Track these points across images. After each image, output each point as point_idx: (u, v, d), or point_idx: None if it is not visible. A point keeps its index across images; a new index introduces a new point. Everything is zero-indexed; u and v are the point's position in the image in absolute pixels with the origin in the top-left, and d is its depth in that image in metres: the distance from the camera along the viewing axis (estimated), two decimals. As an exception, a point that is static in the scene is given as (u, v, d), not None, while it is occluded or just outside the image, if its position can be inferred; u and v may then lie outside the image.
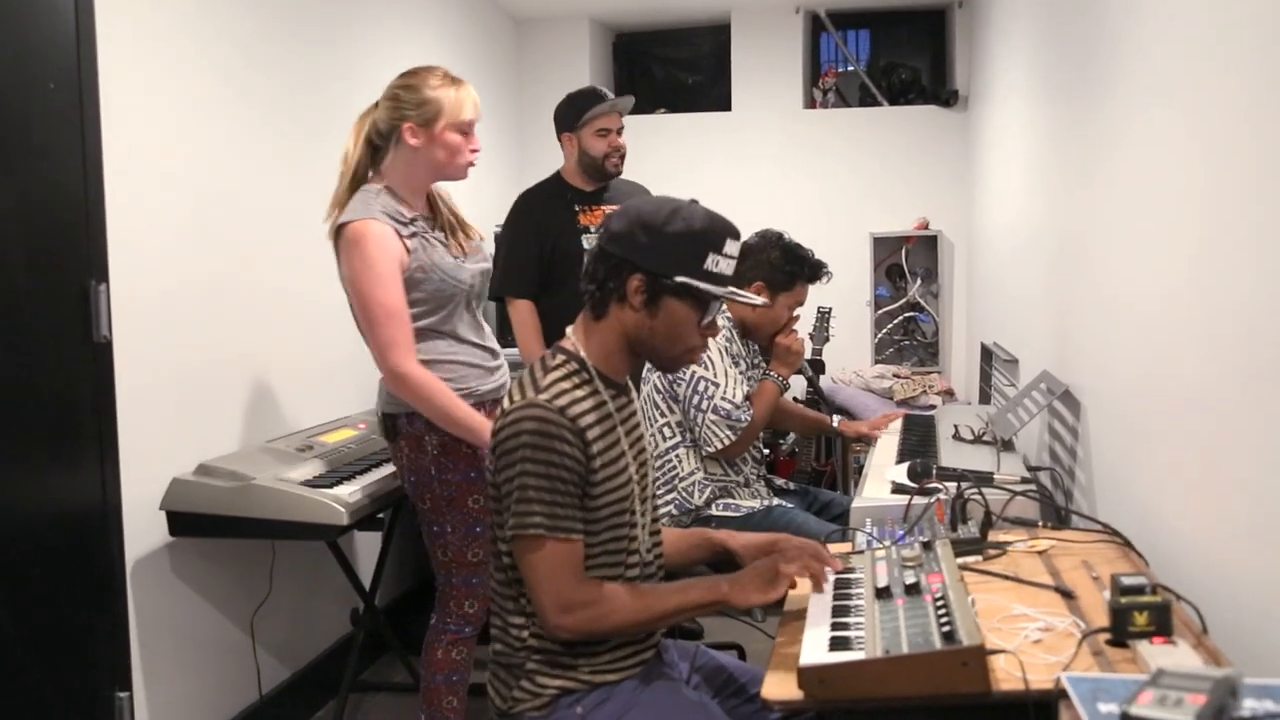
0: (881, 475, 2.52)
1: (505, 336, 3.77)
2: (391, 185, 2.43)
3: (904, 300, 5.33)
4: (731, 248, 1.73)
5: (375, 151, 2.46)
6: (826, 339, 3.99)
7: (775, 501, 2.92)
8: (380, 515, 2.73)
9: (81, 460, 2.34)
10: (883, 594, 1.61)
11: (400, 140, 2.41)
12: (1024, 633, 1.51)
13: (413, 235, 2.39)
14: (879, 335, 5.34)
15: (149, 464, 2.51)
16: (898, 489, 2.34)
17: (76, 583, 2.33)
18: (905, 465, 2.40)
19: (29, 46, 2.19)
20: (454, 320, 2.48)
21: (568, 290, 2.86)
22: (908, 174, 5.31)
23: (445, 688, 2.53)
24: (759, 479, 3.01)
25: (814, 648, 1.49)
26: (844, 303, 4.74)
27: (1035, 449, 3.17)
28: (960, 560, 1.80)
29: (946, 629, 1.41)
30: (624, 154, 3.50)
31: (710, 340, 2.79)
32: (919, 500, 2.13)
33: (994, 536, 1.97)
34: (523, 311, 3.43)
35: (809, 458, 4.12)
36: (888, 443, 3.00)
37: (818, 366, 4.03)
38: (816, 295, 3.09)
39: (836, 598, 1.67)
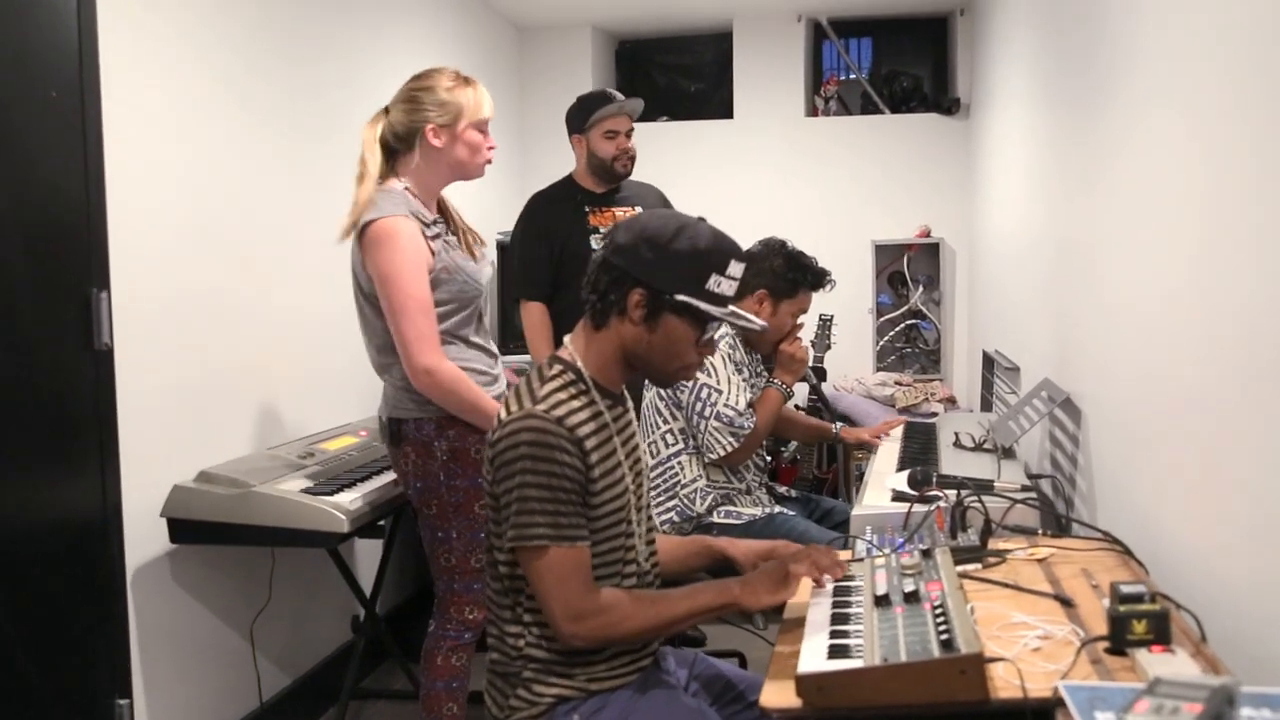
0: (882, 483, 2.52)
1: (510, 340, 3.79)
2: (411, 187, 2.44)
3: (906, 308, 5.33)
4: (735, 269, 1.73)
5: (389, 154, 2.47)
6: (828, 346, 3.99)
7: (777, 509, 2.92)
8: (381, 523, 2.73)
9: (82, 467, 2.34)
10: (882, 602, 1.61)
11: (422, 142, 2.43)
12: (1023, 641, 1.50)
13: (435, 236, 2.42)
14: (881, 343, 5.33)
15: (150, 471, 2.52)
16: (898, 497, 2.34)
17: (77, 589, 2.33)
18: (906, 473, 2.40)
19: (31, 54, 2.20)
20: (471, 323, 2.50)
21: (575, 292, 2.88)
22: (909, 182, 5.31)
23: (445, 694, 2.53)
24: (760, 486, 3.01)
25: (812, 656, 1.48)
26: (846, 310, 4.74)
27: (1036, 456, 3.16)
28: (960, 568, 1.79)
29: (945, 637, 1.41)
30: (633, 156, 3.52)
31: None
32: (919, 508, 2.12)
33: (994, 544, 1.97)
34: (534, 314, 3.45)
35: (811, 465, 4.12)
36: (889, 450, 3.00)
37: (820, 374, 4.02)
38: (818, 303, 3.09)
39: (835, 605, 1.67)
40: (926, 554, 1.78)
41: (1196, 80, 1.77)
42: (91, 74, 2.34)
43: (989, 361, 4.12)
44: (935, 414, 4.39)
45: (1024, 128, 3.62)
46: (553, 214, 3.49)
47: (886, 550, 1.90)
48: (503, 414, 1.71)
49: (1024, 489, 2.35)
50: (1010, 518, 2.11)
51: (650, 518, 1.90)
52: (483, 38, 4.96)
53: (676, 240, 1.69)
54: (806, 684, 1.40)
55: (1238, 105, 1.57)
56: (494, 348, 2.61)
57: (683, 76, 5.70)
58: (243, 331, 2.92)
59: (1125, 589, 1.44)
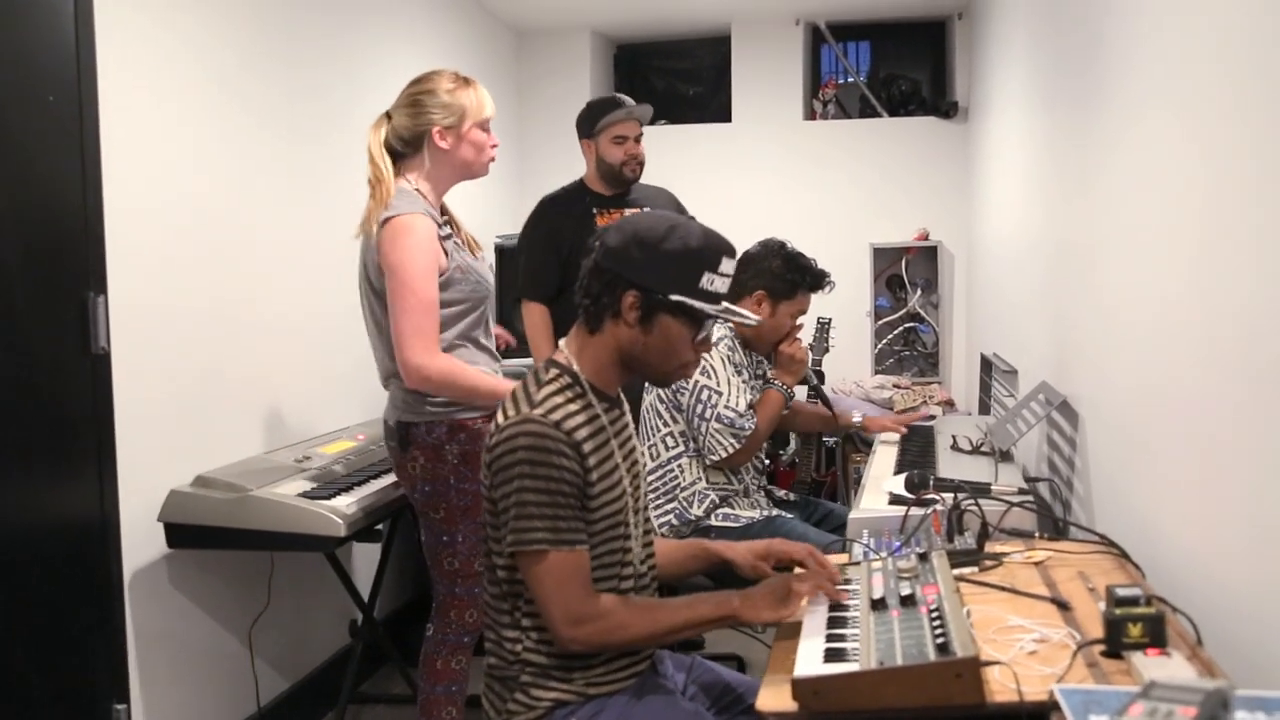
0: (879, 486, 2.52)
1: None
2: (420, 188, 2.46)
3: (904, 311, 5.34)
4: (727, 266, 1.73)
5: (394, 158, 2.49)
6: (826, 349, 3.98)
7: (775, 512, 2.91)
8: (379, 527, 2.73)
9: (80, 472, 2.34)
10: (878, 605, 1.61)
11: (429, 144, 2.45)
12: (1019, 644, 1.50)
13: (447, 237, 2.44)
14: (879, 346, 5.34)
15: (147, 476, 2.52)
16: (895, 500, 2.33)
17: (75, 594, 2.33)
18: (903, 476, 2.40)
19: (29, 59, 2.20)
20: (481, 325, 2.52)
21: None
22: (908, 185, 5.32)
23: (445, 698, 2.52)
24: (759, 489, 3.01)
25: (809, 659, 1.49)
26: (844, 313, 4.74)
27: (1034, 459, 3.16)
28: (956, 571, 1.79)
29: (941, 640, 1.41)
30: (642, 161, 3.53)
31: (713, 349, 2.82)
32: (916, 511, 2.12)
33: (991, 547, 1.97)
34: (535, 315, 3.46)
35: (809, 468, 4.11)
36: (886, 453, 3.00)
37: (819, 377, 4.02)
38: (816, 306, 3.09)
39: (832, 609, 1.67)
40: (923, 557, 1.78)
41: (1194, 82, 1.77)
42: (89, 78, 2.34)
43: (987, 364, 4.12)
44: (933, 417, 4.38)
45: (1022, 131, 3.63)
46: (561, 216, 3.50)
47: (883, 553, 1.90)
48: (500, 418, 1.71)
49: (1021, 492, 2.35)
50: (1007, 521, 2.11)
51: (648, 520, 1.90)
52: (481, 42, 4.97)
53: (668, 240, 1.69)
54: (802, 687, 1.39)
55: (1236, 107, 1.58)
56: (493, 346, 2.61)
57: (681, 80, 5.70)
58: (239, 335, 2.92)
59: (1121, 592, 1.44)
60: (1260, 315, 1.46)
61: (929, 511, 2.06)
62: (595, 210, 3.50)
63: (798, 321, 3.00)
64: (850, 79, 5.55)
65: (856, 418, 3.33)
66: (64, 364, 2.30)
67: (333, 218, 3.33)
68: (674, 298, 1.69)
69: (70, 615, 2.31)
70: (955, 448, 2.93)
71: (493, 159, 2.56)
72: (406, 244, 2.33)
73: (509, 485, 1.65)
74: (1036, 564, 1.90)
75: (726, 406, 2.79)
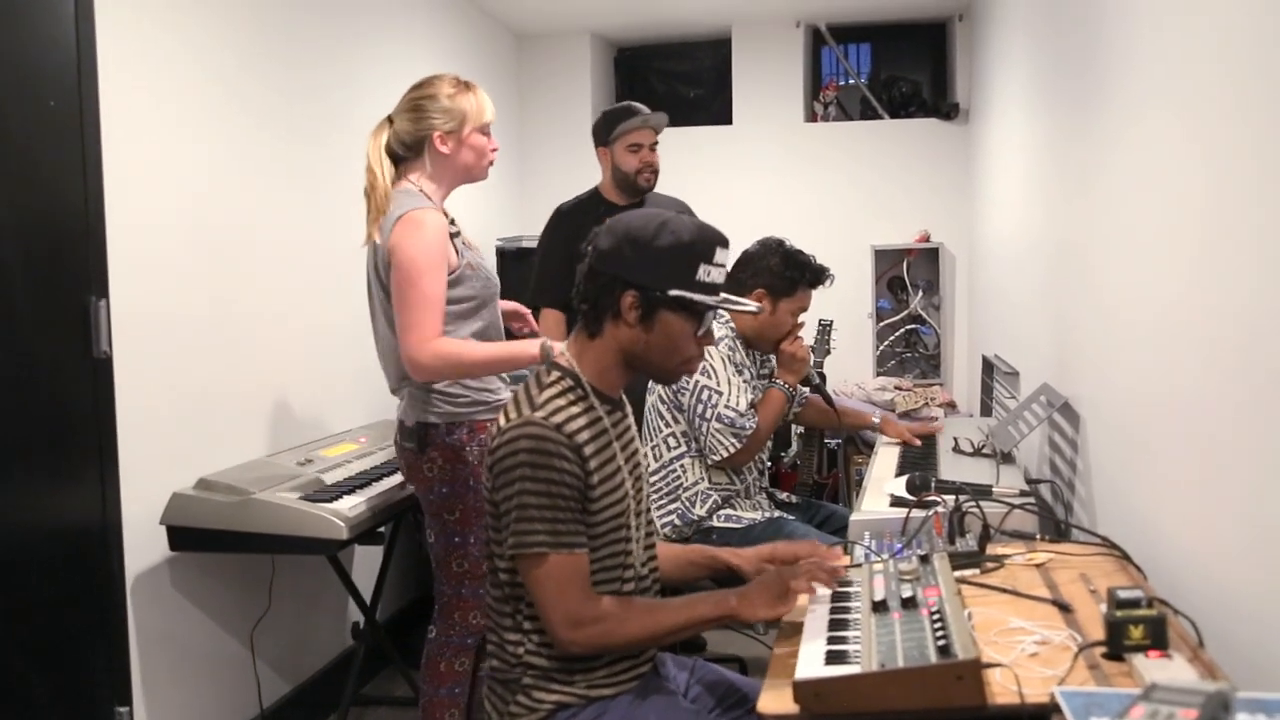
0: (881, 488, 2.52)
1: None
2: (424, 189, 2.48)
3: (905, 313, 5.34)
4: (722, 256, 1.73)
5: (396, 162, 2.51)
6: (828, 351, 3.98)
7: (777, 514, 2.92)
8: (381, 529, 2.73)
9: (82, 476, 2.34)
10: (879, 607, 1.61)
11: (430, 149, 2.47)
12: (1020, 646, 1.50)
13: (456, 235, 2.47)
14: (880, 348, 5.34)
15: (149, 479, 2.52)
16: (896, 502, 2.33)
17: (76, 598, 2.33)
18: (904, 478, 2.40)
19: (30, 65, 2.21)
20: (493, 328, 2.53)
21: None
22: (909, 187, 5.32)
23: (447, 700, 2.53)
24: (761, 491, 3.01)
25: (810, 661, 1.49)
26: (845, 315, 4.74)
27: (1035, 461, 3.16)
28: (958, 573, 1.79)
29: (942, 643, 1.41)
30: (657, 170, 3.55)
31: (713, 349, 2.82)
32: (917, 513, 2.12)
33: (992, 549, 1.97)
34: (550, 321, 3.47)
35: (811, 470, 4.11)
36: (888, 455, 3.00)
37: (820, 379, 4.02)
38: (817, 308, 3.09)
39: (833, 611, 1.67)
40: (924, 559, 1.78)
41: (1194, 82, 1.77)
42: (90, 83, 2.35)
43: (988, 366, 4.12)
44: (935, 418, 4.38)
45: (1023, 132, 3.63)
46: (575, 224, 3.51)
47: (884, 556, 1.91)
48: (501, 421, 1.71)
49: (1022, 494, 2.35)
50: (1008, 523, 2.11)
51: (650, 523, 1.90)
52: (482, 45, 4.97)
53: (660, 237, 1.69)
54: (804, 690, 1.40)
55: (1236, 107, 1.58)
56: None
57: (682, 83, 5.70)
58: (241, 339, 2.93)
59: (1122, 594, 1.44)
60: (1261, 316, 1.46)
61: (930, 513, 2.06)
62: (609, 221, 3.51)
63: (799, 319, 3.00)
64: (851, 81, 5.55)
65: (875, 418, 3.32)
66: (66, 368, 2.31)
67: (334, 220, 3.34)
68: (673, 293, 1.69)
69: (72, 618, 2.32)
70: (957, 449, 2.93)
71: (493, 163, 2.58)
72: (417, 238, 2.34)
73: (510, 488, 1.66)
74: (1038, 566, 1.90)
75: (727, 406, 2.79)
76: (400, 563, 3.67)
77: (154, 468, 2.55)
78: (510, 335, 2.66)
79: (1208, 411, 1.68)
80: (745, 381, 2.89)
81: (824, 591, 1.74)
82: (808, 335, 3.11)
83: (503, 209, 5.08)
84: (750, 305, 1.83)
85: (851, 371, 5.17)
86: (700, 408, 2.80)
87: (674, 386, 2.83)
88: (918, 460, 2.90)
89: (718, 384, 2.81)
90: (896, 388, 4.90)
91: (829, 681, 1.39)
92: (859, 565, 1.90)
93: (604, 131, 3.50)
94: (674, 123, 5.53)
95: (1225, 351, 1.60)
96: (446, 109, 2.46)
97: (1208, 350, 1.68)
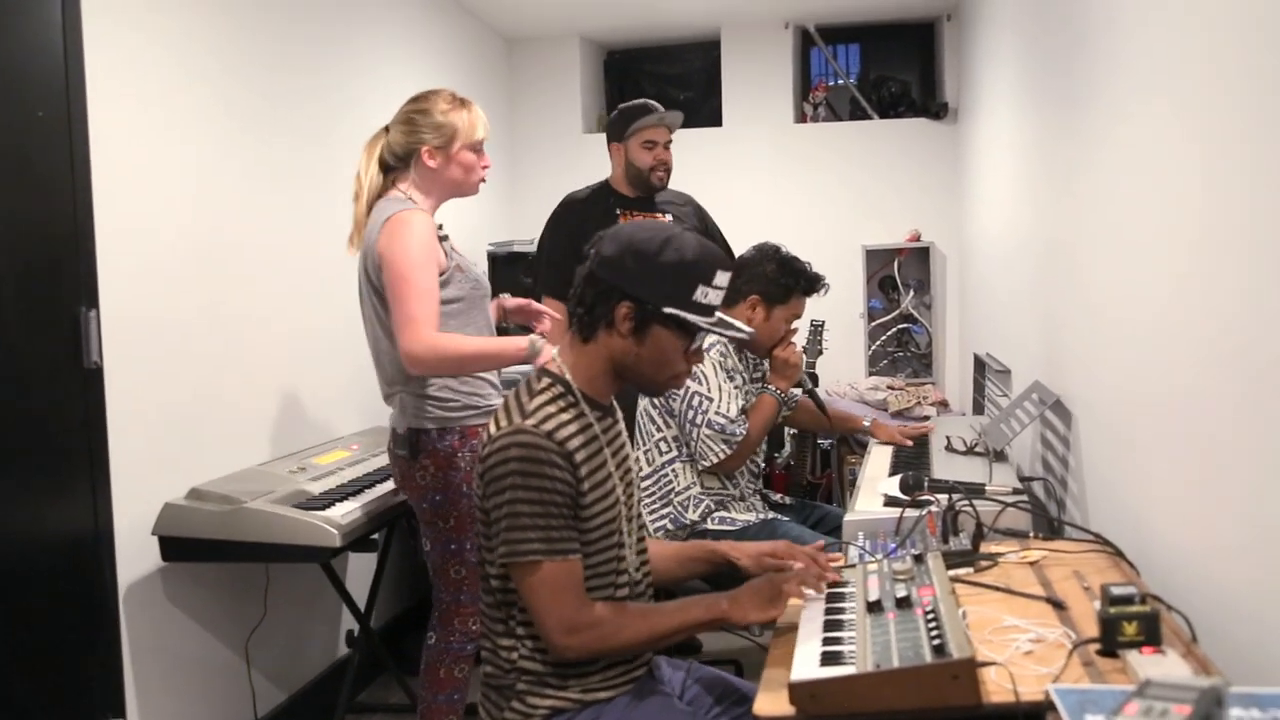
0: (874, 488, 2.52)
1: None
2: (412, 197, 2.50)
3: (897, 312, 5.34)
4: (721, 279, 1.73)
5: (388, 171, 2.54)
6: (820, 352, 3.98)
7: (771, 515, 2.92)
8: (374, 536, 2.73)
9: (73, 486, 2.34)
10: (874, 608, 1.61)
11: (418, 162, 2.49)
12: (1015, 644, 1.50)
13: (444, 239, 2.49)
14: (873, 347, 5.34)
15: (140, 489, 2.51)
16: (890, 502, 2.34)
17: (69, 608, 2.32)
18: (898, 478, 2.40)
19: (17, 74, 2.20)
20: (485, 330, 2.54)
21: None
22: (899, 186, 5.33)
23: (446, 707, 2.52)
24: (755, 493, 3.01)
25: (805, 662, 1.49)
26: (837, 315, 4.73)
27: (1028, 459, 3.17)
28: (952, 572, 1.79)
29: (937, 642, 1.41)
30: (669, 168, 3.57)
31: (706, 355, 2.82)
32: (911, 513, 2.12)
33: (986, 548, 1.97)
34: (554, 308, 3.48)
35: (804, 471, 4.12)
36: (881, 455, 3.00)
37: (813, 379, 4.03)
38: (809, 308, 3.09)
39: (828, 612, 1.67)
40: (919, 559, 1.78)
41: (1182, 80, 1.77)
42: (78, 93, 2.34)
43: (980, 364, 4.13)
44: (927, 417, 4.39)
45: (1011, 131, 3.64)
46: (584, 215, 3.52)
47: (879, 556, 1.91)
48: (492, 428, 1.71)
49: (1015, 492, 2.35)
50: (1002, 521, 2.12)
51: (642, 527, 1.90)
52: (472, 49, 4.97)
53: (663, 252, 1.69)
54: (799, 691, 1.40)
55: (1226, 104, 1.58)
56: None
57: (672, 85, 5.71)
58: (232, 347, 2.92)
59: (1116, 591, 1.44)
60: (1252, 313, 1.47)
61: (924, 513, 2.07)
62: (619, 210, 3.52)
63: (792, 326, 3.00)
64: (840, 81, 5.56)
65: (865, 422, 3.33)
66: (56, 379, 2.30)
67: (325, 227, 3.33)
68: (668, 310, 1.69)
69: (65, 630, 2.31)
70: (949, 448, 2.93)
71: (483, 180, 2.59)
72: (407, 236, 2.37)
73: (501, 496, 1.66)
74: (1031, 564, 1.90)
75: (717, 412, 2.79)
76: (394, 569, 3.66)
77: (145, 478, 2.54)
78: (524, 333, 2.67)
79: (1199, 408, 1.69)
80: (737, 387, 2.89)
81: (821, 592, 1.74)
82: (800, 336, 3.11)
83: (493, 213, 5.08)
84: (744, 331, 1.83)
85: (844, 371, 5.18)
86: (691, 413, 2.81)
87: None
88: (911, 460, 2.91)
89: (709, 390, 2.81)
90: (889, 387, 4.91)
91: (825, 683, 1.40)
92: (853, 565, 1.90)
93: (620, 127, 3.53)
94: (664, 125, 5.58)
95: (1217, 347, 1.61)
96: (438, 124, 2.48)
97: (1199, 346, 1.68)
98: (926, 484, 2.33)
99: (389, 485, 2.73)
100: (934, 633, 1.44)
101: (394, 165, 2.53)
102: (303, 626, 3.26)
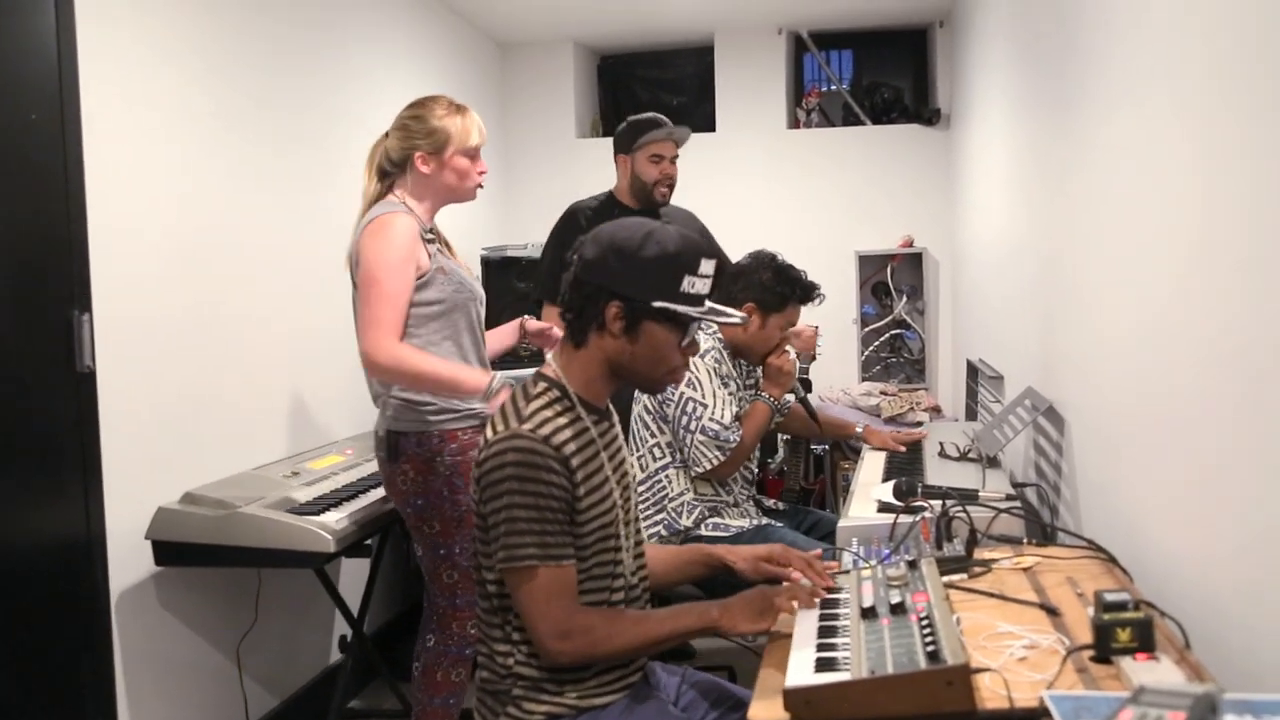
0: (867, 494, 2.52)
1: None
2: (407, 203, 2.52)
3: (890, 318, 5.36)
4: (706, 267, 1.73)
5: (385, 177, 2.56)
6: (813, 357, 4.00)
7: (764, 521, 2.92)
8: (368, 541, 2.72)
9: (65, 491, 2.33)
10: (868, 614, 1.61)
11: (413, 168, 2.51)
12: (1009, 650, 1.51)
13: (431, 242, 2.50)
14: (866, 353, 5.35)
15: (133, 493, 2.50)
16: (884, 508, 2.34)
17: (60, 614, 2.31)
18: (891, 484, 2.40)
19: (10, 78, 2.20)
20: (467, 334, 2.53)
21: None
22: (892, 192, 5.34)
23: (442, 711, 2.52)
24: (749, 499, 3.01)
25: (799, 669, 1.48)
26: (830, 321, 4.74)
27: (1021, 465, 3.17)
28: (946, 578, 1.80)
29: (931, 648, 1.41)
30: (673, 183, 3.60)
31: (699, 361, 2.83)
32: (904, 519, 2.13)
33: (979, 554, 1.97)
34: (552, 315, 3.49)
35: (797, 476, 4.12)
36: (874, 461, 3.00)
37: (805, 385, 4.04)
38: (803, 314, 3.10)
39: (822, 618, 1.67)
40: (912, 565, 1.78)
41: (1175, 85, 1.78)
42: (72, 97, 2.34)
43: (973, 370, 4.14)
44: (920, 423, 4.40)
45: (1004, 136, 3.65)
46: (589, 223, 3.53)
47: (872, 562, 1.91)
48: (489, 433, 1.71)
49: (1009, 498, 2.36)
50: (995, 527, 2.12)
51: (638, 532, 1.90)
52: (465, 55, 4.97)
53: (645, 247, 1.69)
54: (794, 698, 1.40)
55: (1218, 110, 1.59)
56: (487, 364, 2.62)
57: (665, 91, 5.72)
58: (225, 351, 2.91)
59: (1109, 597, 1.45)
60: (1247, 319, 1.47)
61: (918, 519, 2.07)
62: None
63: (786, 333, 3.01)
64: (833, 87, 5.58)
65: (858, 429, 3.34)
66: (49, 383, 2.29)
67: (318, 231, 3.33)
68: (657, 304, 1.69)
69: (56, 635, 2.30)
70: (943, 454, 2.94)
71: (479, 185, 2.60)
72: (381, 239, 2.39)
73: (498, 501, 1.65)
74: (1025, 570, 1.90)
75: (711, 419, 2.79)
76: (388, 575, 3.65)
77: (138, 482, 2.53)
78: (537, 354, 2.67)
79: (1193, 414, 1.69)
80: (731, 394, 2.90)
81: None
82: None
83: (487, 218, 5.08)
84: (735, 316, 1.82)
85: (837, 377, 5.19)
86: (685, 419, 2.81)
87: (659, 397, 2.84)
88: (904, 465, 2.91)
89: (703, 396, 2.81)
90: (882, 393, 4.92)
91: (819, 689, 1.40)
92: (847, 571, 1.90)
93: (628, 139, 3.55)
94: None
95: (1211, 353, 1.61)
96: (431, 130, 2.50)
97: (1193, 353, 1.69)
98: (920, 490, 2.34)
99: (382, 490, 2.73)
100: (928, 639, 1.44)
101: (390, 172, 2.55)
102: (295, 632, 3.25)
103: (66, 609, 2.33)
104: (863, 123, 5.42)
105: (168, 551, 2.53)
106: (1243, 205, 1.48)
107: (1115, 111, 2.13)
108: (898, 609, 1.59)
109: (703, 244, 1.76)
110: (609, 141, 3.69)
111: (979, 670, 1.42)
